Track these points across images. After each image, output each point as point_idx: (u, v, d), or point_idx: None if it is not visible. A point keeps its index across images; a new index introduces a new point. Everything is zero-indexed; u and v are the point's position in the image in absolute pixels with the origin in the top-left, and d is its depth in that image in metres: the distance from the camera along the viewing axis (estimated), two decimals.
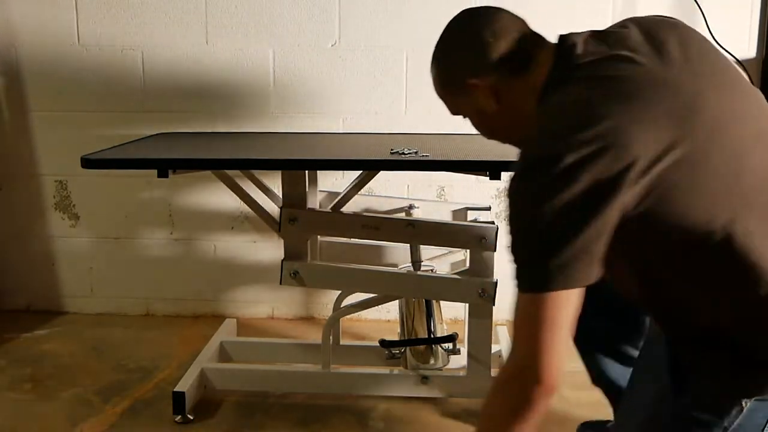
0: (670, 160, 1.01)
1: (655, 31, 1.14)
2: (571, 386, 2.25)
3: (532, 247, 1.04)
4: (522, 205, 1.04)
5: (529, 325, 1.04)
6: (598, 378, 1.53)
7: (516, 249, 1.06)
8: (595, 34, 1.17)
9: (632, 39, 1.13)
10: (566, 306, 1.03)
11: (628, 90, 1.05)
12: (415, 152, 1.97)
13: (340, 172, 2.76)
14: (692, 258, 1.06)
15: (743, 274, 1.04)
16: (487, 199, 2.76)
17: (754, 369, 1.06)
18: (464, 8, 1.27)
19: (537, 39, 1.20)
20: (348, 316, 2.60)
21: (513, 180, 1.06)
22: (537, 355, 1.02)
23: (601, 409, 2.09)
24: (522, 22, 1.22)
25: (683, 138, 1.02)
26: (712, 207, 1.03)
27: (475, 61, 1.20)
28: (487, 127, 1.26)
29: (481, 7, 1.25)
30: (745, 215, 1.03)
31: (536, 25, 2.63)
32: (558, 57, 1.14)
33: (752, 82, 2.61)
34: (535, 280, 1.03)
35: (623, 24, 1.19)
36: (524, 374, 1.04)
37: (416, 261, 2.18)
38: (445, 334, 2.15)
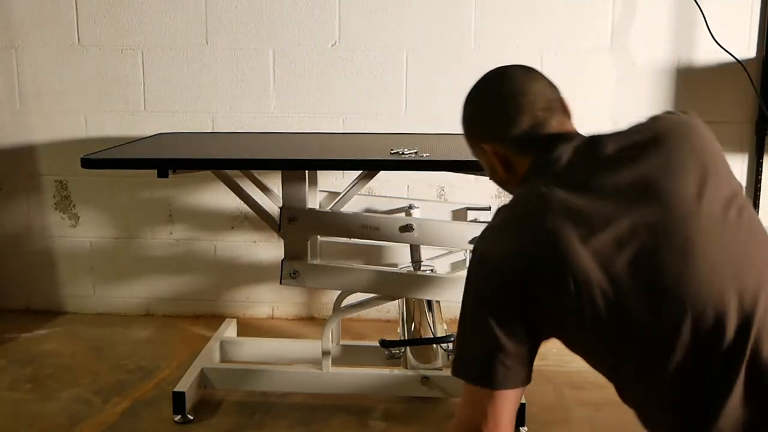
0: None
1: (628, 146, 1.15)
2: (571, 386, 2.25)
3: (457, 334, 1.17)
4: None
5: (463, 402, 1.16)
6: None
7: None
8: (589, 143, 1.17)
9: (602, 157, 1.15)
10: (487, 402, 1.12)
11: (539, 212, 1.11)
12: (415, 152, 1.97)
13: (340, 172, 2.76)
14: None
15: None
16: (486, 199, 2.76)
17: None
18: (502, 66, 1.28)
19: (555, 124, 1.22)
20: (348, 316, 2.60)
21: None
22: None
23: (602, 408, 2.09)
24: (551, 94, 1.23)
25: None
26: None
27: (492, 131, 1.25)
28: (497, 181, 1.33)
29: (518, 71, 1.26)
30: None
31: (537, 27, 2.61)
32: (538, 155, 1.19)
33: (752, 83, 2.61)
34: (454, 365, 1.16)
35: (636, 126, 1.19)
36: None
37: (416, 261, 2.18)
38: (445, 334, 2.15)
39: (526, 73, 1.25)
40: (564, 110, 1.25)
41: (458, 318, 1.17)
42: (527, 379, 1.14)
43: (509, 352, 1.10)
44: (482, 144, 1.26)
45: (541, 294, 1.07)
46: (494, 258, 1.10)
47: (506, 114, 1.22)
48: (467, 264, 2.05)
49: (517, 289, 1.08)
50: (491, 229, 1.17)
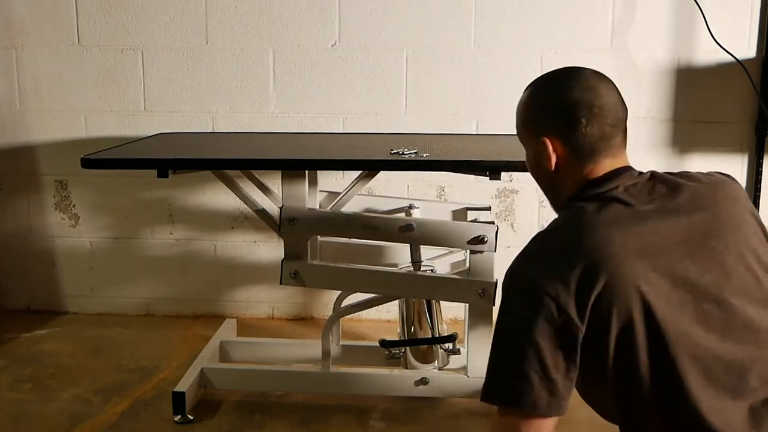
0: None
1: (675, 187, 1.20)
2: None
3: (496, 356, 1.13)
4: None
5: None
6: None
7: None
8: (650, 181, 1.21)
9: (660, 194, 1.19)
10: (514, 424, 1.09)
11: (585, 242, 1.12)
12: (415, 152, 1.97)
13: (340, 172, 2.76)
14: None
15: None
16: (487, 199, 2.76)
17: None
18: (577, 66, 1.29)
19: (616, 144, 1.24)
20: (348, 316, 2.60)
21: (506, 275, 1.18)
22: None
23: None
24: (621, 113, 1.25)
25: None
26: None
27: (558, 129, 1.24)
28: (536, 173, 1.33)
29: (594, 76, 1.25)
30: None
31: (536, 27, 2.60)
32: (604, 179, 1.21)
33: (752, 83, 2.61)
34: (489, 389, 1.12)
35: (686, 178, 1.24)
36: None
37: (416, 261, 2.17)
38: (445, 334, 2.15)
39: (602, 81, 1.24)
40: (625, 133, 1.26)
41: (493, 339, 1.13)
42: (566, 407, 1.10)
43: (555, 379, 1.07)
44: (543, 136, 1.24)
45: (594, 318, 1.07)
46: (548, 281, 1.08)
47: (577, 118, 1.21)
48: (468, 264, 2.05)
49: (569, 315, 1.07)
50: (538, 251, 1.16)
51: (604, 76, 1.26)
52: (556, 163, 1.24)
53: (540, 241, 1.18)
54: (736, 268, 1.14)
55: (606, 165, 1.22)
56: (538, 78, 1.30)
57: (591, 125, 1.20)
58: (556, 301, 1.06)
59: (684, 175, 1.24)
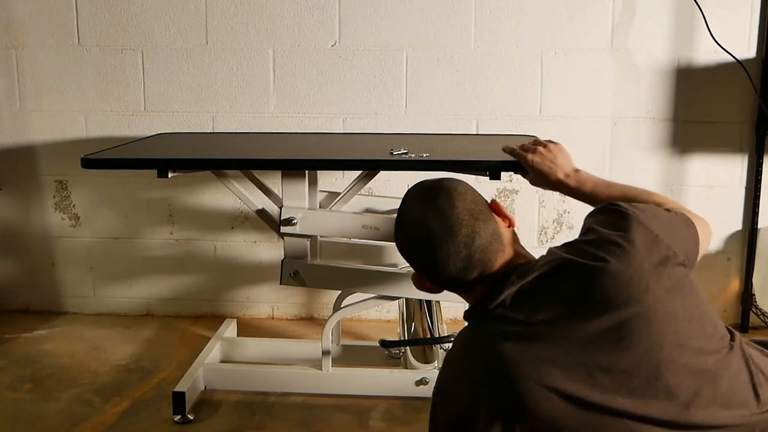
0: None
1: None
2: None
3: None
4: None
5: None
6: None
7: None
8: (520, 292, 1.14)
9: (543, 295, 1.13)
10: None
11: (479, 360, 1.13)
12: (406, 153, 1.96)
13: (340, 172, 2.76)
14: None
15: None
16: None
17: None
18: (428, 196, 1.25)
19: (483, 264, 1.19)
20: (348, 316, 2.60)
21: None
22: None
23: None
24: (472, 242, 1.18)
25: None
26: None
27: (425, 272, 1.24)
28: None
29: (437, 216, 1.20)
30: None
31: (536, 27, 2.59)
32: (483, 298, 1.17)
33: (752, 83, 2.61)
34: None
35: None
36: None
37: None
38: (445, 334, 2.15)
39: (448, 216, 1.19)
40: (491, 243, 1.20)
41: None
42: None
43: None
44: (419, 279, 1.27)
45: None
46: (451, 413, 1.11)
47: (423, 269, 1.23)
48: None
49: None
50: (444, 382, 1.18)
51: (453, 199, 1.23)
52: (433, 289, 1.26)
53: (453, 365, 1.20)
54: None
55: (478, 285, 1.18)
56: (399, 209, 1.26)
57: (441, 273, 1.18)
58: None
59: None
